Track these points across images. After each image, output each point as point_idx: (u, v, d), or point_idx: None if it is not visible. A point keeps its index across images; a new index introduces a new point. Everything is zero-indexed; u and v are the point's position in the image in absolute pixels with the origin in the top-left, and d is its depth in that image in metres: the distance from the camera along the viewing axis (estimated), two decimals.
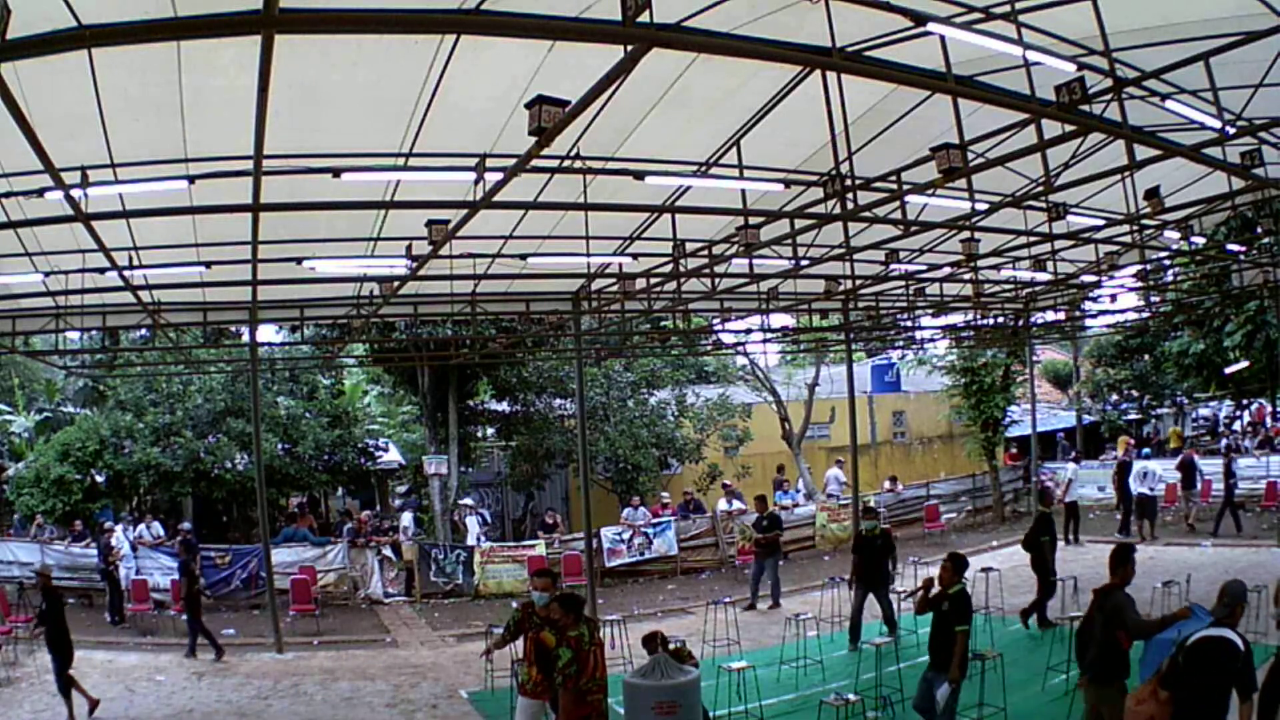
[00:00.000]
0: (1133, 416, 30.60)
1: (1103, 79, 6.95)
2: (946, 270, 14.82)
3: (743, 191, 9.93)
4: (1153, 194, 10.15)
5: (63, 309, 12.47)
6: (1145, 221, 12.16)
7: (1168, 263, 18.25)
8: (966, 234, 11.74)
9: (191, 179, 7.90)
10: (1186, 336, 24.62)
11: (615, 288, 13.42)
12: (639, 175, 9.06)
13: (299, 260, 10.98)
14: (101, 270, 10.36)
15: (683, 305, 15.49)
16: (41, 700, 10.62)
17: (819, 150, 9.34)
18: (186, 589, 12.75)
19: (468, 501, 19.62)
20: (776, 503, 20.10)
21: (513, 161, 7.21)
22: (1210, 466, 20.24)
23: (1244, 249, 16.01)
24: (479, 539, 17.80)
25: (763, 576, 14.62)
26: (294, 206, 8.78)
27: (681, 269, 11.82)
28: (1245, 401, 28.18)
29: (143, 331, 17.38)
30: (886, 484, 22.10)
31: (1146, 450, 26.13)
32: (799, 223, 10.12)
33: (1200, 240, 14.57)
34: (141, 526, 16.88)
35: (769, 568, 14.54)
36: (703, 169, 9.59)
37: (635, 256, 12.31)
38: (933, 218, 10.69)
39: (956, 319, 21.07)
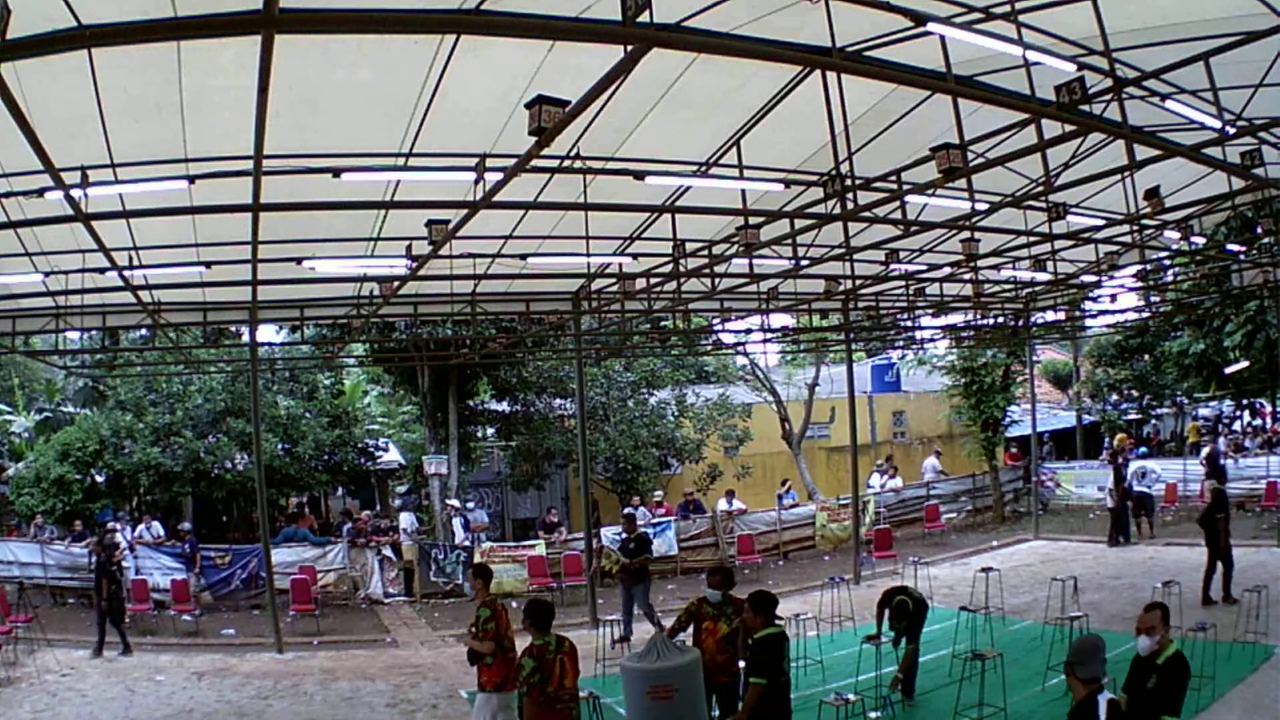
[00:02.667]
0: (1133, 416, 30.60)
1: (1103, 79, 6.95)
2: (946, 270, 14.82)
3: (743, 191, 9.92)
4: (1153, 194, 10.15)
5: (63, 309, 12.47)
6: (1145, 221, 12.16)
7: (1168, 263, 18.23)
8: (966, 234, 11.74)
9: (191, 179, 7.90)
10: (1186, 336, 24.60)
11: (615, 288, 13.42)
12: (639, 175, 9.06)
13: (299, 260, 10.98)
14: (101, 270, 10.35)
15: (683, 305, 15.49)
16: (41, 700, 10.62)
17: (819, 150, 9.34)
18: (108, 588, 12.86)
19: (454, 502, 19.60)
20: (781, 507, 20.12)
21: (513, 161, 7.21)
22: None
23: (1244, 249, 16.00)
24: (473, 539, 17.77)
25: (634, 605, 12.89)
26: (294, 206, 8.77)
27: (681, 269, 11.81)
28: (1246, 401, 28.17)
29: (143, 331, 17.38)
30: (876, 476, 21.98)
31: (1143, 449, 26.14)
32: (799, 223, 10.12)
33: (1200, 240, 14.57)
34: (141, 526, 16.89)
35: (639, 595, 12.85)
36: (703, 169, 9.59)
37: (635, 256, 12.31)
38: (933, 218, 10.69)
39: (956, 319, 21.07)
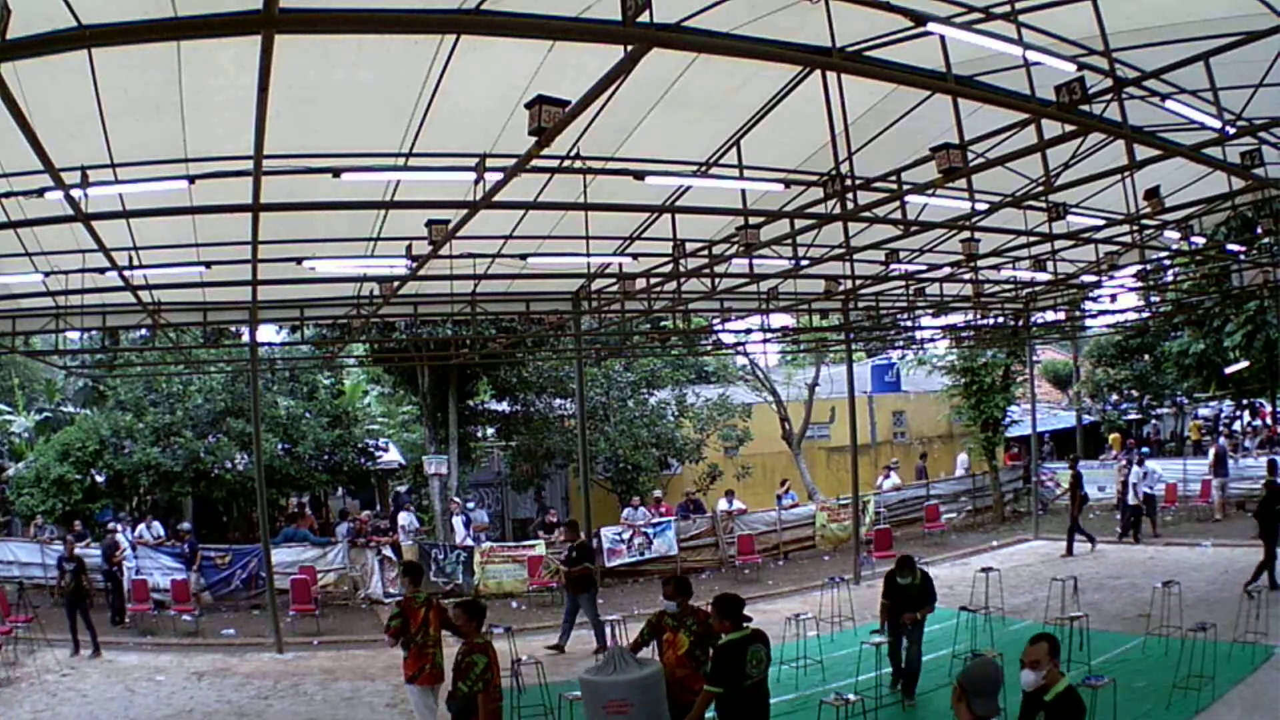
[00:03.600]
0: (1133, 416, 30.58)
1: (1103, 79, 6.95)
2: (946, 270, 14.82)
3: (743, 191, 9.92)
4: (1153, 194, 10.15)
5: (63, 309, 12.47)
6: (1145, 221, 12.16)
7: (1168, 263, 18.23)
8: (966, 234, 11.74)
9: (191, 179, 7.90)
10: (1186, 336, 24.60)
11: (615, 288, 13.42)
12: (639, 175, 9.06)
13: (299, 260, 10.98)
14: (101, 270, 10.36)
15: (683, 305, 15.49)
16: (41, 700, 10.63)
17: (819, 150, 9.34)
18: (70, 585, 12.87)
19: (458, 500, 19.65)
20: (780, 507, 20.09)
21: (513, 161, 7.21)
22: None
23: (1244, 249, 16.00)
24: (475, 539, 17.77)
25: (576, 615, 12.73)
26: (294, 206, 8.78)
27: (681, 269, 11.81)
28: (1246, 401, 28.16)
29: (143, 331, 17.38)
30: (881, 478, 22.00)
31: (1146, 449, 26.11)
32: (799, 223, 10.12)
33: (1200, 240, 14.56)
34: (141, 526, 16.88)
35: (584, 604, 12.57)
36: (703, 169, 9.59)
37: (635, 256, 12.31)
38: (933, 218, 10.69)
39: (956, 319, 21.07)
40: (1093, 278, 16.39)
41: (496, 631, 11.12)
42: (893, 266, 13.39)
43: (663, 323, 20.71)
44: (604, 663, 6.78)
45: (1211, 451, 20.74)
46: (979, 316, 20.32)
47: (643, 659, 6.82)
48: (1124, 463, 19.61)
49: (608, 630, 12.00)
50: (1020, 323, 20.83)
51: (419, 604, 7.99)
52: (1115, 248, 14.00)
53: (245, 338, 18.95)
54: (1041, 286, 17.06)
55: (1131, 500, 17.96)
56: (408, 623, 7.86)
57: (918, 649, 9.33)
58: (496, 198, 7.70)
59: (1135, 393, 29.48)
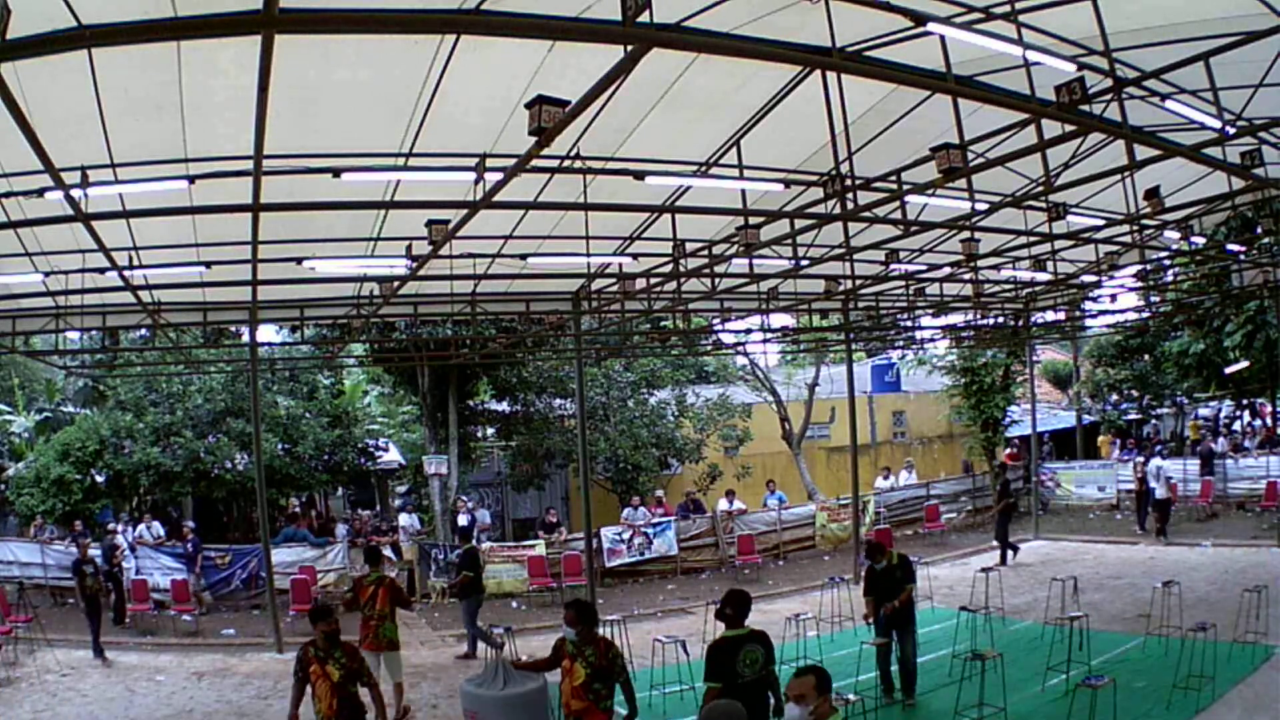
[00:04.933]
0: (1133, 416, 30.57)
1: (1103, 79, 6.95)
2: (946, 270, 14.82)
3: (743, 191, 9.92)
4: (1153, 194, 10.15)
5: (63, 309, 12.47)
6: (1145, 221, 12.16)
7: (1168, 263, 18.24)
8: (966, 234, 11.74)
9: (191, 179, 7.90)
10: (1186, 336, 24.59)
11: (615, 288, 13.42)
12: (639, 175, 9.06)
13: (299, 260, 10.98)
14: (101, 270, 10.35)
15: (683, 305, 15.49)
16: (41, 700, 10.63)
17: (819, 150, 9.35)
18: (94, 586, 12.90)
19: (464, 499, 19.69)
20: (768, 508, 20.10)
21: (513, 161, 7.21)
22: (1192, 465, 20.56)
23: (1244, 249, 16.00)
24: (477, 538, 17.78)
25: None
26: (294, 206, 8.77)
27: (681, 269, 11.81)
28: (1246, 401, 28.15)
29: (143, 331, 17.37)
30: (880, 479, 22.04)
31: (1161, 448, 26.04)
32: (799, 223, 10.12)
33: (1200, 240, 14.57)
34: (141, 526, 16.88)
35: (464, 612, 12.47)
36: (703, 169, 9.60)
37: (635, 256, 12.31)
38: (933, 218, 10.69)
39: (956, 319, 21.07)
40: (1093, 278, 16.40)
41: (497, 631, 11.19)
42: (893, 266, 13.39)
43: (663, 323, 20.71)
44: (482, 673, 6.92)
45: (1198, 449, 20.79)
46: (979, 316, 20.32)
47: (521, 676, 6.72)
48: (1141, 459, 19.60)
49: (610, 629, 11.92)
50: (1020, 323, 20.83)
51: (369, 582, 9.51)
52: (1115, 248, 14.00)
53: (245, 338, 18.93)
54: (1041, 286, 17.07)
55: (1160, 494, 17.78)
56: (357, 596, 9.47)
57: (912, 648, 9.32)
58: (496, 198, 7.70)
59: (1135, 393, 29.45)
